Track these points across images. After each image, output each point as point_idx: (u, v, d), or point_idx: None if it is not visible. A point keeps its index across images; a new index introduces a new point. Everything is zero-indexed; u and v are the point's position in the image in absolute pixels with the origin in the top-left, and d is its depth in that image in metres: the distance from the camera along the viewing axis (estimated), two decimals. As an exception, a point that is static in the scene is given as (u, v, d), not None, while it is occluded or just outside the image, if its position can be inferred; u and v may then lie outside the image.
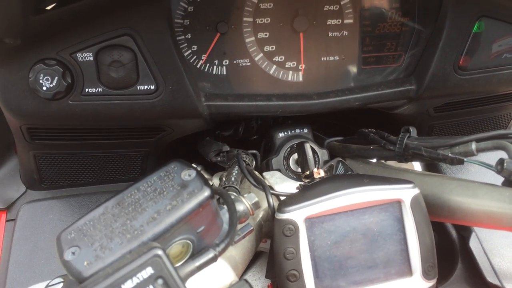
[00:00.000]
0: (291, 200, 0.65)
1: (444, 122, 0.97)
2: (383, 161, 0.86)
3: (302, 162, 0.85)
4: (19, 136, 0.82)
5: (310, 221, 0.64)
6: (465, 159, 0.69)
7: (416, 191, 0.66)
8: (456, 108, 0.93)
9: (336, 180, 0.69)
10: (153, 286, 0.39)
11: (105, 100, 0.75)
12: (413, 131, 0.78)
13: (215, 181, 0.84)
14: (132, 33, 0.71)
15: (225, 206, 0.56)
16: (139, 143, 0.87)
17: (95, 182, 0.95)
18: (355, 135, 0.88)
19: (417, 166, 0.94)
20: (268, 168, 0.89)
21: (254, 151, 0.90)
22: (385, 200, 0.66)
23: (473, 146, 0.69)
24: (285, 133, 0.91)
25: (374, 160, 0.87)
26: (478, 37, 0.81)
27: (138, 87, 0.74)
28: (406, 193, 0.66)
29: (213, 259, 0.44)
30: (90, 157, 0.90)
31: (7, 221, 0.90)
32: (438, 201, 0.69)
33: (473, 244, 0.86)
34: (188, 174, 0.51)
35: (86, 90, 0.73)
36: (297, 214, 0.63)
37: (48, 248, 0.86)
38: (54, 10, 0.68)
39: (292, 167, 0.89)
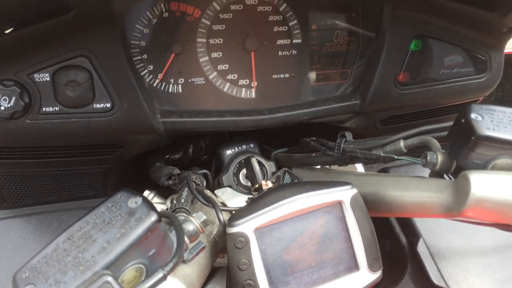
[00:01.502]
0: (240, 213, 0.69)
1: (392, 135, 1.03)
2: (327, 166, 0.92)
3: (251, 176, 0.89)
4: None
5: (260, 231, 0.68)
6: (395, 157, 0.75)
7: (354, 191, 0.72)
8: (401, 121, 0.99)
9: (280, 190, 0.73)
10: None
11: (63, 119, 0.76)
12: (349, 135, 0.84)
13: (169, 204, 0.87)
14: (88, 54, 0.73)
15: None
16: (99, 160, 0.89)
17: (57, 200, 0.96)
18: (298, 145, 0.93)
19: (359, 167, 1.01)
20: (220, 185, 0.92)
21: (205, 171, 0.93)
22: (326, 203, 0.70)
23: (402, 143, 0.75)
24: (233, 150, 0.95)
25: (319, 166, 0.92)
26: (416, 54, 0.88)
27: (95, 105, 0.77)
28: (345, 194, 0.71)
29: (163, 278, 0.47)
30: (51, 175, 0.91)
31: None
32: (376, 197, 0.75)
33: (420, 249, 0.94)
34: (135, 202, 0.54)
35: (44, 109, 0.75)
36: (246, 226, 0.67)
37: (10, 266, 0.86)
38: (12, 33, 0.69)
39: (242, 182, 0.93)
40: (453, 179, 0.69)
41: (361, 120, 0.95)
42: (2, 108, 0.72)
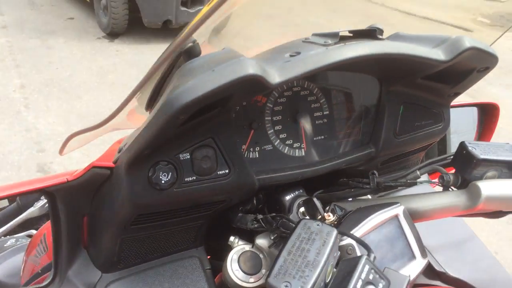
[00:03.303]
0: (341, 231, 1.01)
1: (387, 171, 1.43)
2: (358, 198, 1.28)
3: (312, 212, 1.21)
4: (120, 225, 1.02)
5: (358, 241, 1.00)
6: (417, 181, 1.15)
7: (402, 207, 1.08)
8: (392, 161, 1.39)
9: (360, 212, 1.07)
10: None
11: (197, 185, 1.01)
12: (376, 173, 1.22)
13: (262, 241, 1.14)
14: (213, 136, 1.01)
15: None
16: (200, 216, 1.13)
17: (157, 256, 1.17)
18: (335, 185, 1.28)
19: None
20: (287, 223, 1.22)
21: (274, 214, 1.22)
22: (391, 216, 1.06)
23: (418, 172, 1.15)
24: (290, 195, 1.26)
25: (350, 199, 1.28)
26: (403, 115, 1.30)
27: (218, 172, 1.03)
28: (399, 210, 1.07)
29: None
30: (159, 235, 1.12)
31: None
32: (413, 210, 1.12)
33: None
34: (317, 224, 0.84)
35: (185, 179, 1.00)
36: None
37: None
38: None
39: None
40: (457, 190, 1.11)
41: (371, 163, 1.34)
42: (163, 181, 0.96)
